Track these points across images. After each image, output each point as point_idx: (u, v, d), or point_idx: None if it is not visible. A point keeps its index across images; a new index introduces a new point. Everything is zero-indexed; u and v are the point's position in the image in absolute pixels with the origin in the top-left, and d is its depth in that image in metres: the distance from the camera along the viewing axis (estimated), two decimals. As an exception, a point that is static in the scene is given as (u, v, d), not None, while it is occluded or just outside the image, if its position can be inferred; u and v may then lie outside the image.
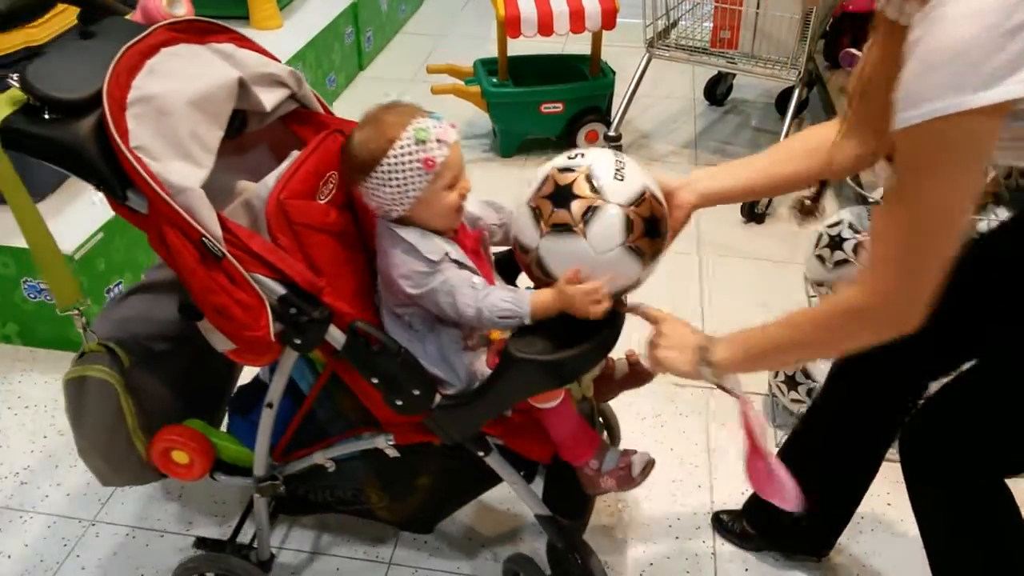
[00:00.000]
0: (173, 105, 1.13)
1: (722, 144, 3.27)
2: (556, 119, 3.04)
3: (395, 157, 1.20)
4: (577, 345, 1.22)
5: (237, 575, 1.57)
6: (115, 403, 1.40)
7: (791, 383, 1.87)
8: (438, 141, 1.21)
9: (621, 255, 1.19)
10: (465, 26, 4.35)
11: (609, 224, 1.18)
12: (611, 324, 1.25)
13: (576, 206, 1.18)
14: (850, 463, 1.52)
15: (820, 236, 1.77)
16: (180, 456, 1.47)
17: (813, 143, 1.31)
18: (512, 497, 1.52)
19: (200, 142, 1.15)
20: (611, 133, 2.94)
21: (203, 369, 1.51)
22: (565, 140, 3.10)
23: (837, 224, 1.74)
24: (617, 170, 1.22)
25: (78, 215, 2.18)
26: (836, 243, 1.73)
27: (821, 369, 1.82)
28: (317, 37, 3.32)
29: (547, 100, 2.99)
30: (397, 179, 1.20)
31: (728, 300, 2.43)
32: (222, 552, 1.58)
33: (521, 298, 1.23)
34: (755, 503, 1.66)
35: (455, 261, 1.24)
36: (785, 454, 1.56)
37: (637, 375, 1.52)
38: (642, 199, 1.20)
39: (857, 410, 1.47)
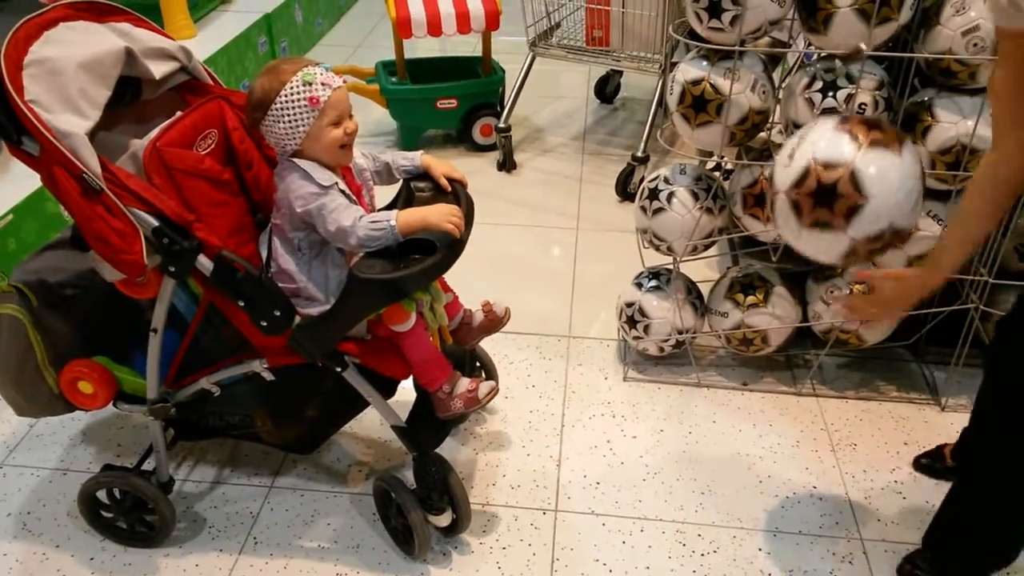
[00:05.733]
0: (64, 67, 1.37)
1: (608, 136, 3.59)
2: (451, 114, 3.31)
3: (285, 96, 1.46)
4: (408, 268, 1.47)
5: (139, 493, 1.77)
6: (24, 337, 1.63)
7: (631, 322, 2.16)
8: (323, 84, 1.48)
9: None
10: (382, 38, 4.66)
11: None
12: (442, 254, 1.49)
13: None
14: None
15: (643, 189, 2.05)
16: (85, 387, 1.70)
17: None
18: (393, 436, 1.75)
19: (88, 98, 1.40)
20: (501, 125, 3.22)
21: (110, 313, 1.73)
22: (462, 134, 3.39)
23: (655, 179, 2.03)
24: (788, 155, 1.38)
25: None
26: (654, 194, 2.02)
27: (654, 305, 2.12)
28: (229, 45, 3.56)
29: (442, 96, 3.26)
30: (288, 115, 1.47)
31: (597, 266, 2.73)
32: (128, 473, 1.79)
33: (388, 213, 1.49)
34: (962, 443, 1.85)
35: (342, 191, 1.50)
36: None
37: (492, 322, 1.84)
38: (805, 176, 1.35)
39: None
